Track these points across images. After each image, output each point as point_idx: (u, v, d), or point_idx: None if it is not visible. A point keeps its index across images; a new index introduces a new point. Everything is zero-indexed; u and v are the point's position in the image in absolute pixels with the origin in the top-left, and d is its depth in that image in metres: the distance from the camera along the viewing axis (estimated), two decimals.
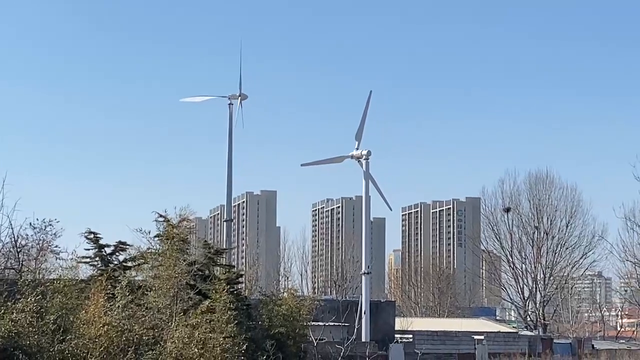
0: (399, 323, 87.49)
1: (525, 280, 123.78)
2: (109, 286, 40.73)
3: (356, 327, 75.89)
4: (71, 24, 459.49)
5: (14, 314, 36.05)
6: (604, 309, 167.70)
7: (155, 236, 47.89)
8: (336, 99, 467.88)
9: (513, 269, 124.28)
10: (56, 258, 43.71)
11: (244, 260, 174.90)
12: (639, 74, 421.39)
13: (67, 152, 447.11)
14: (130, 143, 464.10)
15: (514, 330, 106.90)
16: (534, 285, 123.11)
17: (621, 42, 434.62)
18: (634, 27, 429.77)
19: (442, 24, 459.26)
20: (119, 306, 39.00)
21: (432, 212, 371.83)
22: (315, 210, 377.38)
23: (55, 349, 36.35)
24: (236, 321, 44.05)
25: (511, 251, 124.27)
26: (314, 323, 63.80)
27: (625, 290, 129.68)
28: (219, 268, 57.11)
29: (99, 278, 41.47)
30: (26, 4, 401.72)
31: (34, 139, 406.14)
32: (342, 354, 66.13)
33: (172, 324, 40.81)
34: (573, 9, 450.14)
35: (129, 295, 40.66)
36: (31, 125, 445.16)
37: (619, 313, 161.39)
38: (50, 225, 43.72)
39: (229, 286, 47.86)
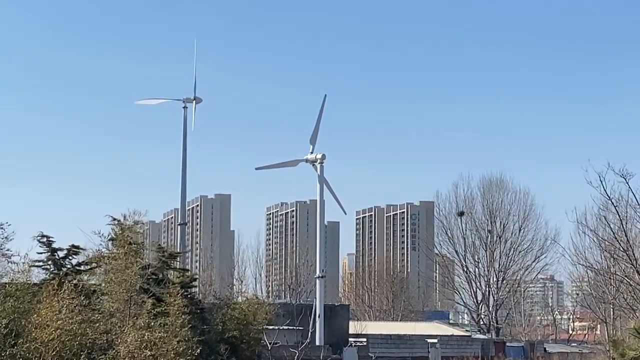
0: (353, 327, 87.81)
1: (479, 283, 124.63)
2: (62, 290, 40.42)
3: (310, 330, 76.04)
4: (23, 24, 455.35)
5: None
6: (556, 312, 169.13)
7: (109, 240, 47.63)
8: (291, 102, 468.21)
9: (466, 272, 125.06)
10: (8, 262, 43.27)
11: (198, 264, 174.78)
12: (591, 80, 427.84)
13: (18, 155, 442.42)
14: (82, 146, 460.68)
15: (467, 334, 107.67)
16: (487, 289, 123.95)
17: (573, 48, 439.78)
18: (583, 33, 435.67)
19: (395, 30, 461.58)
20: (63, 308, 38.54)
21: (387, 216, 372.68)
22: (270, 214, 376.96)
23: (7, 353, 36.02)
24: (190, 325, 43.95)
25: (464, 255, 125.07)
26: (268, 327, 63.83)
27: (577, 294, 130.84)
28: (172, 272, 56.89)
29: (52, 282, 41.13)
30: None
31: None
32: (296, 357, 66.23)
33: (125, 328, 40.60)
34: (519, 15, 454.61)
35: (82, 298, 40.37)
36: None
37: (571, 316, 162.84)
38: (2, 228, 43.28)
39: (183, 290, 47.69)
